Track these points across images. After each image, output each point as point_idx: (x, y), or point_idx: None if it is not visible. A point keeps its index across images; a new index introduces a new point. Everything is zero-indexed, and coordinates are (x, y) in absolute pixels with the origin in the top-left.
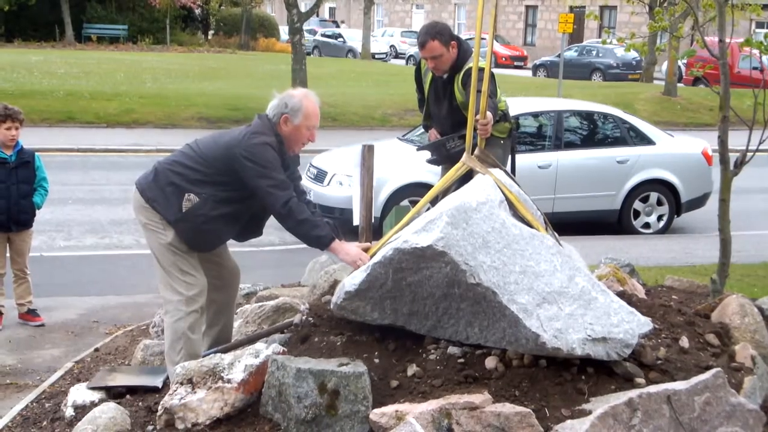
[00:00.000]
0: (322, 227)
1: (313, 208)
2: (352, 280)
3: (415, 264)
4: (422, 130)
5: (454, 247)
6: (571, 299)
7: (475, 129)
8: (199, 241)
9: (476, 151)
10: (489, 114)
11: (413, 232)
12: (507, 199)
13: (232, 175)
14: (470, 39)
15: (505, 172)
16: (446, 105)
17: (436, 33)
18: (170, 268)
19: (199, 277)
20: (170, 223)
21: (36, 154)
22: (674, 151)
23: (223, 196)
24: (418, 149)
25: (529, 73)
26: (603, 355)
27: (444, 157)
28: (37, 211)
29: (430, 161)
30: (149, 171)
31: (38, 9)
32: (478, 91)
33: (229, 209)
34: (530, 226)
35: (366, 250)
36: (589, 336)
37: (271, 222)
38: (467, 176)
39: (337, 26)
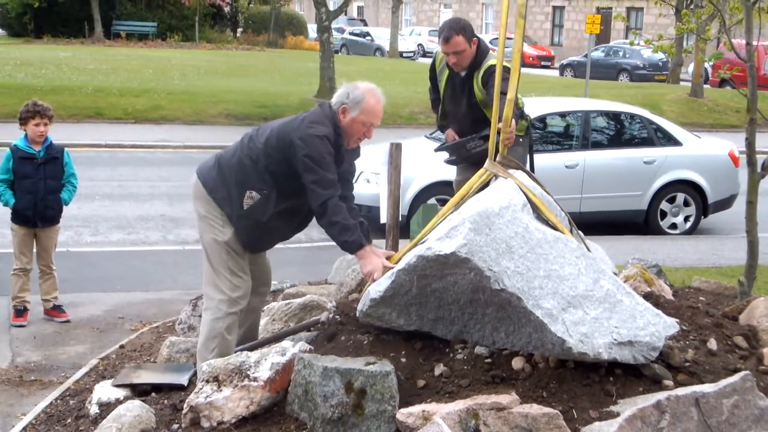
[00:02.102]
0: (352, 232)
1: (356, 208)
2: (376, 287)
3: (439, 271)
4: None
5: (478, 253)
6: (596, 302)
7: (498, 133)
8: (257, 241)
9: (498, 157)
10: (513, 122)
11: (436, 239)
12: (531, 202)
13: (288, 164)
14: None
15: (528, 173)
16: (464, 103)
17: (460, 28)
18: (219, 267)
19: (246, 279)
20: (231, 221)
21: (65, 149)
22: (701, 153)
23: (283, 191)
24: (436, 150)
25: (556, 72)
26: (629, 358)
27: (463, 157)
28: (64, 207)
29: (448, 162)
30: (211, 163)
31: (68, 5)
32: (503, 93)
33: (289, 204)
34: (555, 228)
35: (389, 258)
36: (615, 340)
37: None
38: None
39: (365, 25)
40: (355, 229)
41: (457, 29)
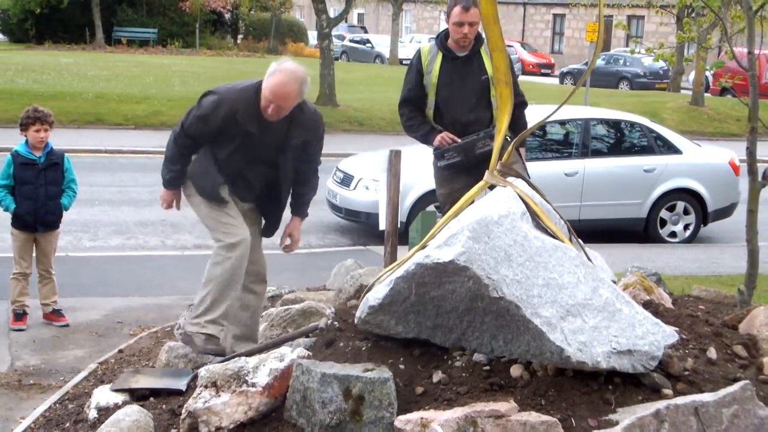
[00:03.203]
0: (172, 174)
1: (315, 180)
2: (375, 295)
3: (438, 278)
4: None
5: (477, 261)
6: (595, 311)
7: (492, 137)
8: (202, 181)
9: (498, 166)
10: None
11: (435, 247)
12: (530, 210)
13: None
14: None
15: (527, 181)
16: (471, 81)
17: (476, 2)
18: (207, 220)
19: (238, 224)
20: (190, 180)
21: (66, 155)
22: (701, 161)
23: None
24: (437, 152)
25: (556, 80)
26: (628, 367)
27: (471, 157)
28: (64, 212)
29: (448, 165)
30: None
31: (69, 11)
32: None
33: (219, 156)
34: (554, 236)
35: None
36: (614, 349)
37: None
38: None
39: (365, 32)
40: (175, 175)
41: (474, 2)
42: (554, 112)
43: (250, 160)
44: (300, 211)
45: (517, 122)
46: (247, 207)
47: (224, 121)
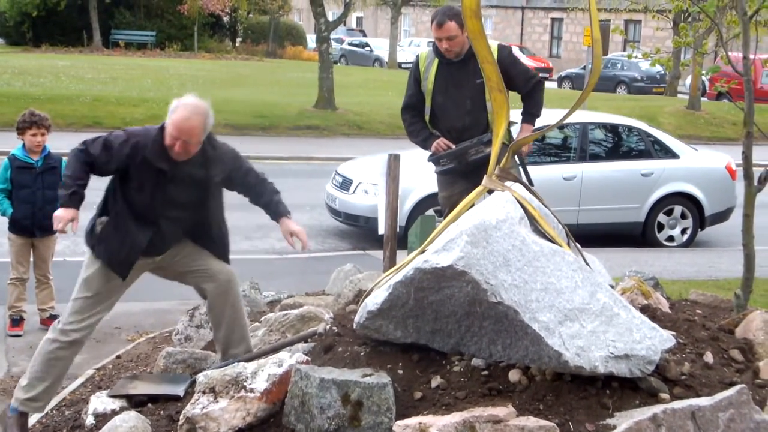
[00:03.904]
0: (67, 190)
1: (268, 186)
2: (374, 300)
3: (436, 283)
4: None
5: (475, 266)
6: (592, 316)
7: (485, 143)
8: (117, 251)
9: (496, 170)
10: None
11: (433, 252)
12: (528, 214)
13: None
14: None
15: (526, 186)
16: (466, 86)
17: (453, 15)
18: (79, 288)
19: (90, 323)
20: (92, 252)
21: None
22: (698, 165)
23: (124, 196)
24: (432, 158)
25: (554, 84)
26: (626, 372)
27: (464, 164)
28: None
29: (443, 171)
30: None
31: (66, 14)
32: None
33: (135, 203)
34: (552, 241)
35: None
36: (611, 353)
37: None
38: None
39: (364, 35)
40: (72, 190)
41: (450, 15)
42: (556, 125)
43: (167, 206)
44: (279, 213)
45: (533, 99)
46: (161, 257)
47: (129, 157)
